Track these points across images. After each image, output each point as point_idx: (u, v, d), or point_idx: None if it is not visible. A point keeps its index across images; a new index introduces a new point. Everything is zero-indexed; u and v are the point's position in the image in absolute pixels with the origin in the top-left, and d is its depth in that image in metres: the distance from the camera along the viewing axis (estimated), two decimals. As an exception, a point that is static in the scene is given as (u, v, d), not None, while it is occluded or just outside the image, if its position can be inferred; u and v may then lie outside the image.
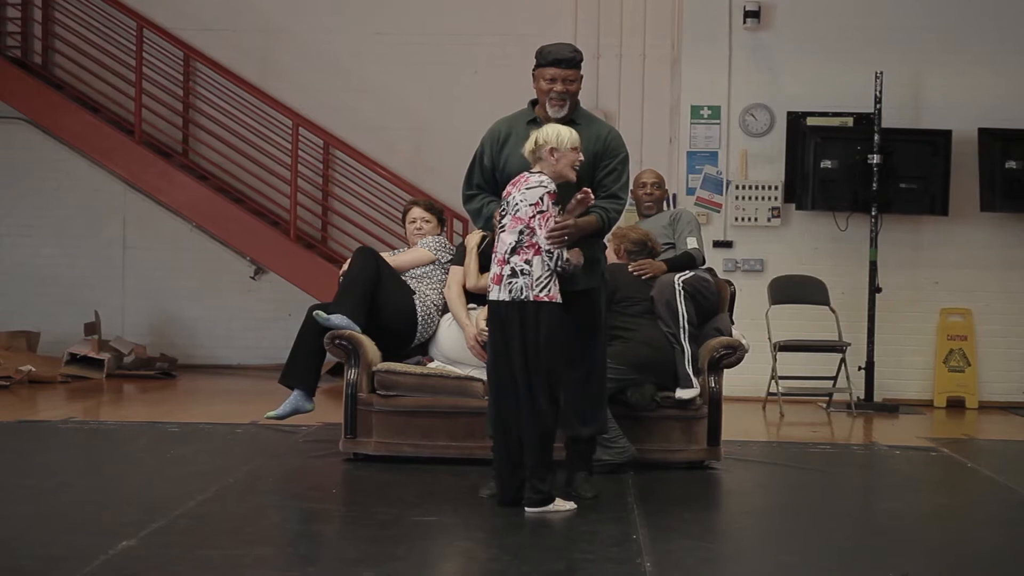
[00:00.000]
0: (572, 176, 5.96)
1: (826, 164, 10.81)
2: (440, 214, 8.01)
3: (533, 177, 5.92)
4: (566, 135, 5.96)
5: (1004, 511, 6.58)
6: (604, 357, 6.40)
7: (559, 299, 5.86)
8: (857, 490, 7.27)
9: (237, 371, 12.50)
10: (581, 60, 6.31)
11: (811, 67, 11.13)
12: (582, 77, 6.35)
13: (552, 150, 5.93)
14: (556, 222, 5.84)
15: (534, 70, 6.32)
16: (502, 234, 5.92)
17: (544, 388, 5.85)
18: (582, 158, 5.99)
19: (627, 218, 10.45)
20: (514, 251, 5.85)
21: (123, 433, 8.35)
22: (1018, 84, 11.04)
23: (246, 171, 12.56)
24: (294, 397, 7.40)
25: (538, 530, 5.59)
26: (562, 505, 5.88)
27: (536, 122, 6.22)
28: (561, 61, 6.24)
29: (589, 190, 5.99)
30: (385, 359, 7.30)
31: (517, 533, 5.55)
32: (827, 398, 10.56)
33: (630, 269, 7.44)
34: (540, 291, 5.83)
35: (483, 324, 6.76)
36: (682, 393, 7.15)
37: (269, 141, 12.55)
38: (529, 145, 5.98)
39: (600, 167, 6.23)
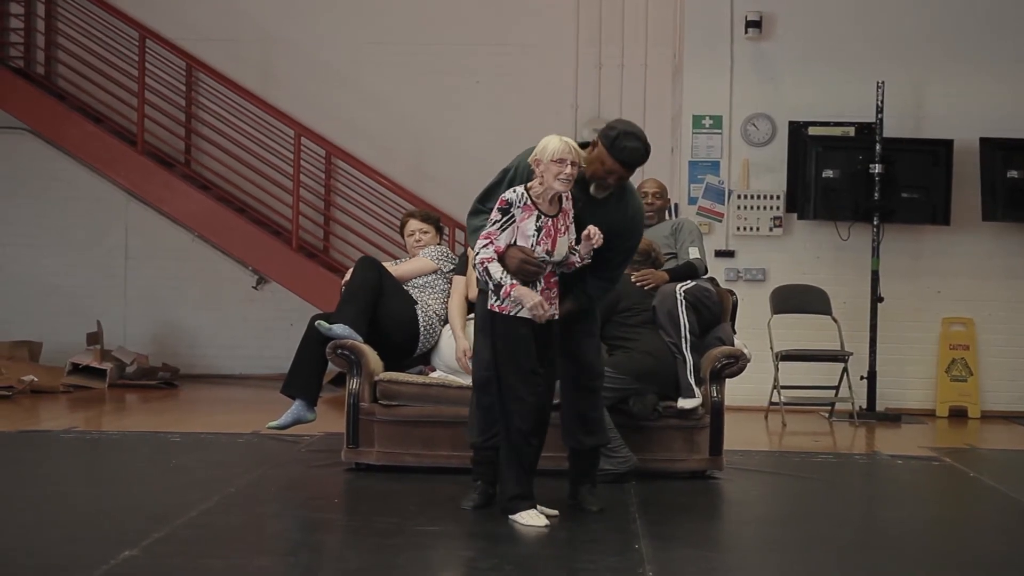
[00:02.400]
0: (561, 188, 5.76)
1: (828, 174, 10.82)
2: (437, 223, 8.01)
3: (519, 188, 5.85)
4: (551, 146, 5.73)
5: (1006, 520, 6.57)
6: (601, 368, 6.38)
7: (512, 312, 5.77)
8: (859, 499, 7.26)
9: (239, 381, 12.50)
10: None
11: (813, 77, 11.14)
12: None
13: (536, 162, 5.78)
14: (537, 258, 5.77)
15: (598, 143, 5.95)
16: None
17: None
18: (568, 171, 5.73)
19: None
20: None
21: (125, 443, 8.35)
22: (1019, 93, 11.05)
23: (248, 181, 12.58)
24: (296, 407, 7.39)
25: (540, 539, 5.58)
26: (534, 519, 5.78)
27: (583, 185, 5.97)
28: (631, 166, 5.97)
29: (596, 232, 5.79)
30: (387, 369, 7.29)
31: (519, 542, 5.55)
32: (829, 407, 10.55)
33: (633, 279, 7.42)
34: (495, 302, 5.82)
35: None
36: (684, 403, 7.14)
37: (271, 151, 12.56)
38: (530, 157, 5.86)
39: (614, 245, 6.00)
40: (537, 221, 5.77)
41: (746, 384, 8.95)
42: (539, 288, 5.80)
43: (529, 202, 5.79)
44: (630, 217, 6.13)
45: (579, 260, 5.91)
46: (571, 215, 5.89)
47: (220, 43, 12.69)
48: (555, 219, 5.82)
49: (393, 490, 6.67)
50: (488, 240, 5.78)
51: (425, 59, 12.56)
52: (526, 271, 5.75)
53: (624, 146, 5.89)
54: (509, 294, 5.72)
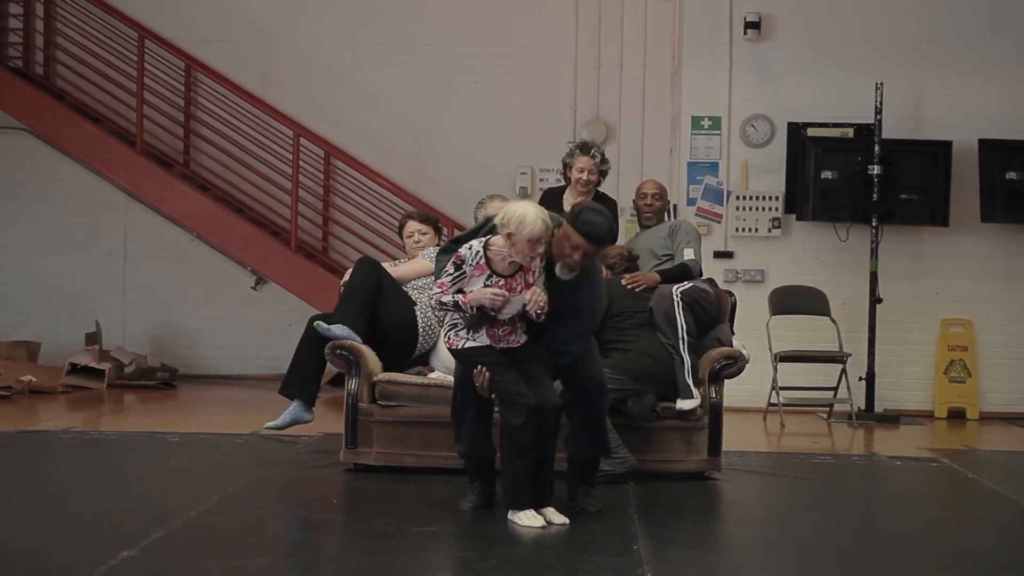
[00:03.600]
0: (526, 263, 5.75)
1: (827, 175, 10.83)
2: (436, 223, 8.01)
3: (476, 244, 5.82)
4: (529, 225, 5.60)
5: (1004, 522, 6.58)
6: (602, 374, 6.33)
7: (458, 346, 5.89)
8: (858, 500, 7.27)
9: (238, 381, 12.50)
10: None
11: (812, 78, 11.14)
12: None
13: (510, 235, 5.67)
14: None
15: (562, 224, 5.84)
16: None
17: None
18: (541, 250, 5.70)
19: (629, 228, 10.49)
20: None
21: (124, 443, 8.35)
22: (1018, 95, 11.05)
23: (247, 181, 12.58)
24: (294, 407, 7.38)
25: (539, 541, 5.58)
26: (532, 520, 5.80)
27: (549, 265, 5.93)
28: (596, 239, 5.79)
29: (535, 300, 5.71)
30: (386, 369, 7.30)
31: (518, 543, 5.55)
32: (828, 409, 10.55)
33: (624, 283, 7.42)
34: (447, 333, 5.97)
35: None
36: (683, 404, 7.14)
37: (270, 151, 12.56)
38: (499, 219, 5.72)
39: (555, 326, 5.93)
40: (487, 281, 5.79)
41: (745, 385, 8.94)
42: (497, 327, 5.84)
43: (482, 261, 5.80)
44: (581, 306, 5.95)
45: (534, 316, 5.81)
46: (537, 271, 5.81)
47: (219, 43, 12.69)
48: (510, 279, 5.79)
49: (392, 491, 6.67)
50: (441, 290, 5.86)
51: (425, 59, 12.56)
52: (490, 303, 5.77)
53: (587, 219, 5.74)
54: (467, 303, 5.76)
